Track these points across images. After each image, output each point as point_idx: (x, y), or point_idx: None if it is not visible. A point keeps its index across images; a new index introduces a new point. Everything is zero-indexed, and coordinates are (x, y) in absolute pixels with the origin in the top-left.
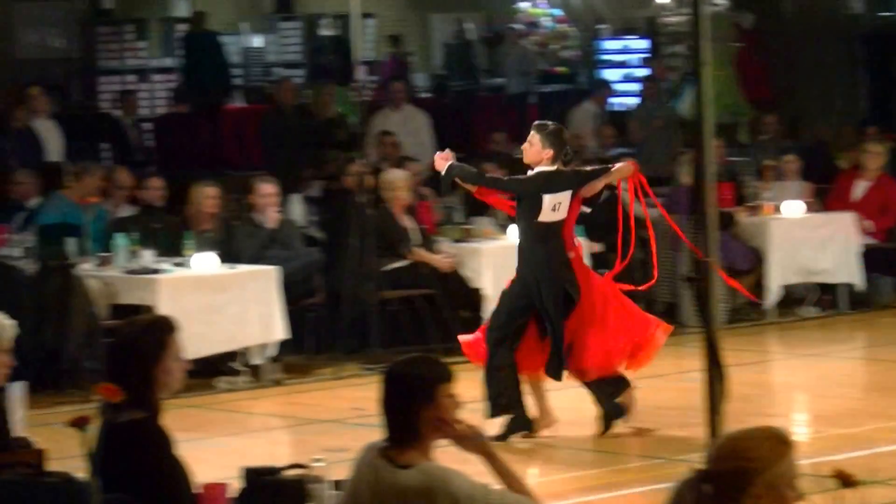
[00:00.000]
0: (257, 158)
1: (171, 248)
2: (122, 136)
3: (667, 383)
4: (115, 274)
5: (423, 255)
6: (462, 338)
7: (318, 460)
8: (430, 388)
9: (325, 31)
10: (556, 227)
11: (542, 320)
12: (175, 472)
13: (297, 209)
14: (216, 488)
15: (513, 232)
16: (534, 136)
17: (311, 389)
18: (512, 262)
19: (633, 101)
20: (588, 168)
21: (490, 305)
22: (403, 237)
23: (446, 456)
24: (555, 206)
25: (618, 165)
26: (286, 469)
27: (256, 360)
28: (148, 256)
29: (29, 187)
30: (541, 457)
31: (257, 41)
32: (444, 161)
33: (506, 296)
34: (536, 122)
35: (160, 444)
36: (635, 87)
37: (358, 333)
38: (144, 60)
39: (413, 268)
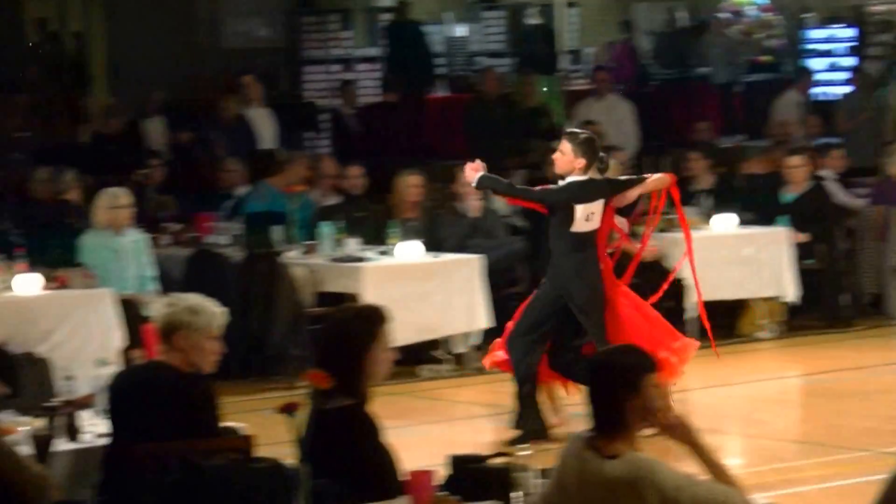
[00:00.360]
0: (460, 147)
1: (376, 237)
2: (339, 125)
3: (873, 375)
4: (320, 262)
5: (627, 244)
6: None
7: (523, 449)
8: (636, 377)
9: (530, 20)
10: (590, 237)
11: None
12: (383, 458)
13: (501, 198)
14: (423, 475)
15: (717, 222)
16: (565, 145)
17: None
18: (713, 252)
19: (840, 91)
20: (622, 178)
21: (692, 295)
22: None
23: (652, 446)
24: (588, 216)
25: (655, 176)
26: (492, 457)
27: (460, 349)
28: (353, 245)
29: (237, 175)
30: (740, 448)
31: (460, 30)
32: (473, 172)
33: (535, 302)
34: (568, 130)
35: (369, 430)
36: (842, 76)
37: None
38: (349, 50)
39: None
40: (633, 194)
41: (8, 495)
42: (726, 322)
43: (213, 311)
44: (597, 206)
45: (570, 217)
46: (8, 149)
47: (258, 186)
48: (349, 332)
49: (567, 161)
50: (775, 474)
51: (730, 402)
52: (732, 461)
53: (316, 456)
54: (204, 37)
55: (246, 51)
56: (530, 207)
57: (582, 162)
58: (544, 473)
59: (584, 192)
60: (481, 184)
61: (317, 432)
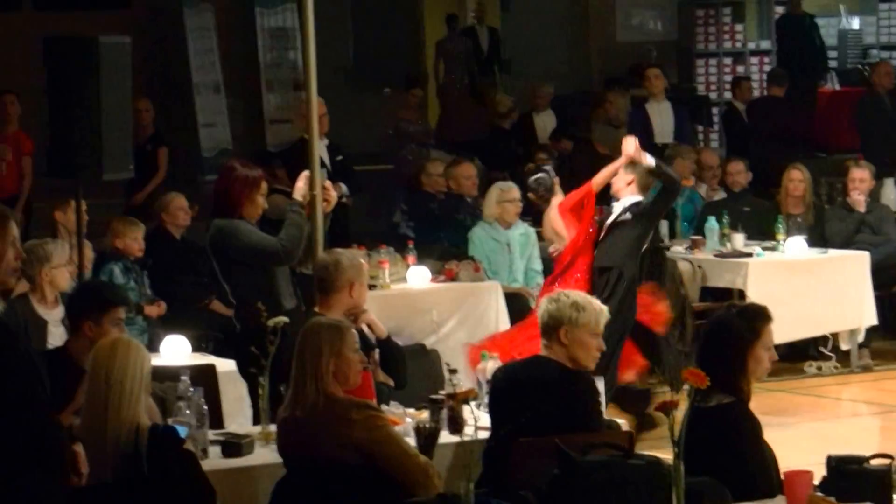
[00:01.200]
0: (849, 141)
1: (760, 232)
2: (730, 119)
3: None
4: (705, 257)
5: None
6: None
7: None
8: None
9: None
10: None
11: None
12: (762, 457)
13: (890, 194)
14: (801, 475)
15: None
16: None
17: None
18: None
19: None
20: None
21: None
22: None
23: None
24: None
25: None
26: (871, 458)
27: (845, 346)
28: (739, 240)
29: None
30: None
31: (855, 23)
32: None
33: None
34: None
35: (748, 428)
36: None
37: None
38: (740, 43)
39: None
40: None
41: (394, 483)
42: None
43: (597, 309)
44: None
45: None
46: (404, 141)
47: None
48: (731, 330)
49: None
50: None
51: None
52: None
53: (693, 453)
54: (596, 30)
55: (638, 44)
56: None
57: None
58: None
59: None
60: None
61: (695, 430)
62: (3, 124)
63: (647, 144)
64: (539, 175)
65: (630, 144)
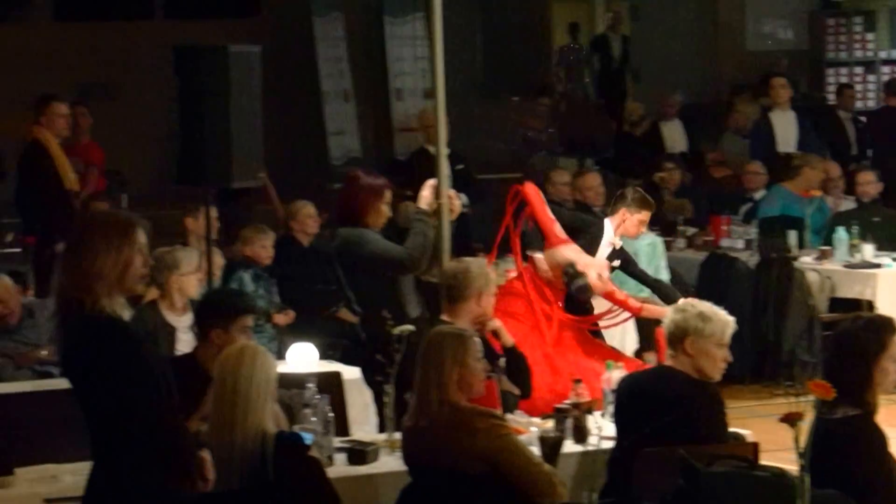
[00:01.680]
0: None
1: (890, 242)
2: (837, 129)
3: None
4: (834, 267)
5: None
6: None
7: None
8: None
9: None
10: None
11: None
12: (889, 470)
13: None
14: None
15: None
16: None
17: None
18: None
19: None
20: None
21: None
22: None
23: None
24: None
25: None
26: None
27: None
28: (868, 250)
29: (760, 179)
30: None
31: None
32: None
33: None
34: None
35: (875, 441)
36: None
37: None
38: (872, 52)
39: None
40: None
41: (518, 492)
42: None
43: (724, 320)
44: None
45: None
46: (532, 149)
47: (774, 190)
48: (857, 341)
49: None
50: None
51: None
52: None
53: (819, 466)
54: (725, 39)
55: (767, 53)
56: None
57: None
58: None
59: None
60: None
61: (820, 442)
62: (76, 136)
63: (771, 153)
64: (580, 284)
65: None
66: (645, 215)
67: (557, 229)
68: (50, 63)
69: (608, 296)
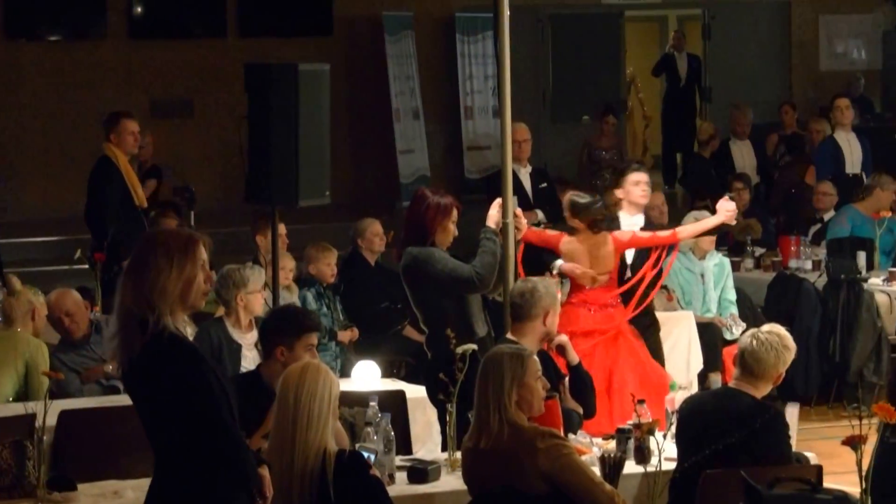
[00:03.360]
0: None
1: None
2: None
3: None
4: None
5: None
6: None
7: None
8: None
9: None
10: None
11: None
12: None
13: None
14: None
15: None
16: None
17: None
18: None
19: None
20: None
21: None
22: None
23: None
24: None
25: None
26: None
27: None
28: None
29: (830, 200)
30: None
31: None
32: None
33: None
34: None
35: None
36: None
37: None
38: None
39: None
40: None
41: None
42: None
43: (792, 348)
44: None
45: None
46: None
47: (844, 211)
48: None
49: None
50: None
51: None
52: None
53: (882, 489)
54: (799, 59)
55: (841, 73)
56: None
57: None
58: None
59: None
60: None
61: (884, 465)
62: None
63: (838, 174)
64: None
65: (731, 205)
66: (635, 176)
67: None
68: (124, 80)
69: (636, 241)
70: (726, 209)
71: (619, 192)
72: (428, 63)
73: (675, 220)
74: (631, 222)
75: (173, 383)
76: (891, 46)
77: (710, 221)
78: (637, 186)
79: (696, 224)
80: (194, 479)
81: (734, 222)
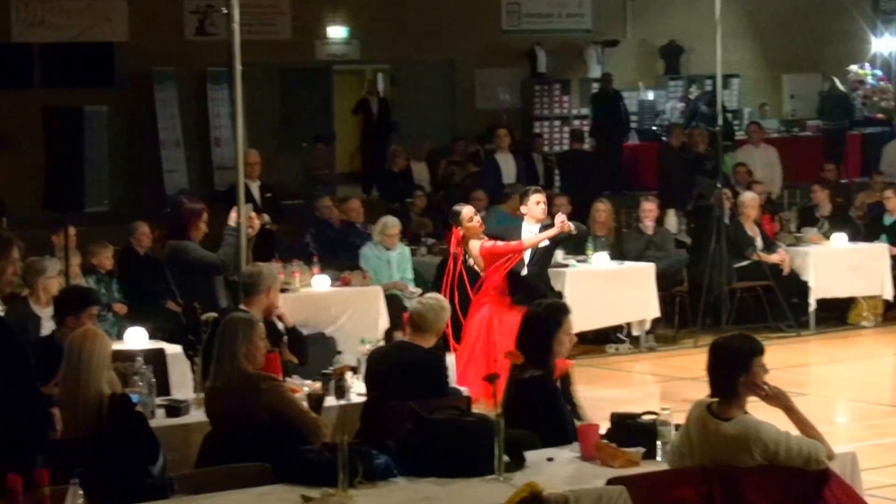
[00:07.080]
0: (646, 182)
1: (576, 249)
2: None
3: None
4: None
5: (763, 255)
6: None
7: (665, 409)
8: (747, 359)
9: (702, 88)
10: None
11: None
12: (561, 414)
13: (672, 221)
14: (590, 428)
15: (834, 239)
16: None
17: (677, 355)
18: (831, 261)
19: None
20: None
21: (814, 296)
22: (751, 242)
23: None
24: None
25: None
26: (643, 415)
27: (636, 332)
28: (559, 255)
29: (482, 203)
30: (843, 410)
31: (650, 95)
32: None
33: None
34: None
35: (552, 394)
36: None
37: (713, 314)
38: (566, 109)
39: (757, 265)
40: None
41: (294, 434)
42: (839, 314)
43: (447, 307)
44: None
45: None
46: (316, 183)
47: (492, 211)
48: (539, 321)
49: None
50: (867, 430)
51: (839, 375)
52: (838, 419)
53: (512, 412)
54: (462, 101)
55: (492, 111)
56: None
57: None
58: (677, 428)
59: None
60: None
61: (513, 395)
62: None
63: (496, 185)
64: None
65: (561, 217)
66: (536, 196)
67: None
68: None
69: (495, 249)
70: (559, 221)
71: (523, 209)
72: (187, 105)
73: (371, 219)
74: (529, 230)
75: None
76: (527, 91)
77: (549, 233)
78: (538, 206)
79: (539, 235)
80: (10, 420)
81: (568, 229)
